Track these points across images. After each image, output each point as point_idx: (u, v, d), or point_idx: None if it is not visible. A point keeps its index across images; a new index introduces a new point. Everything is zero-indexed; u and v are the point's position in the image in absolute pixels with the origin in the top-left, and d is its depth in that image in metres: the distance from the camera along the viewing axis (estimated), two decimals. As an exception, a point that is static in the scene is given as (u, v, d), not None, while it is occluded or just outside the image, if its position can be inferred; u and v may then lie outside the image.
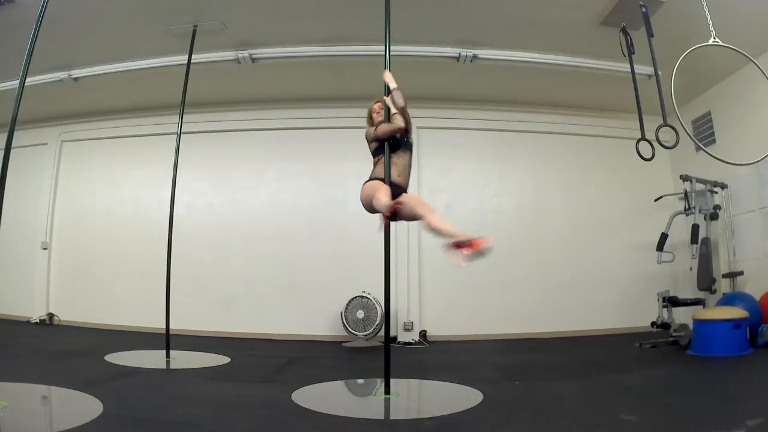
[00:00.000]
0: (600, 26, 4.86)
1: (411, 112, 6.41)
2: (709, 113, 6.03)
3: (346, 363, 4.87)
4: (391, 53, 3.57)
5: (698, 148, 4.28)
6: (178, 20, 4.91)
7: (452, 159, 6.70)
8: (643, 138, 4.14)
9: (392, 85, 3.39)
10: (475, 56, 5.52)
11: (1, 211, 2.69)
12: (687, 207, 5.40)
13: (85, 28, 5.00)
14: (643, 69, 4.59)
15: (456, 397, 3.13)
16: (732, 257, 5.68)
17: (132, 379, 3.48)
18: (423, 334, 6.14)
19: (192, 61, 4.91)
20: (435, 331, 6.19)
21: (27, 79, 3.04)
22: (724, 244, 5.74)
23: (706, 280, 5.14)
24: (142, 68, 5.69)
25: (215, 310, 6.25)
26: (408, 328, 6.18)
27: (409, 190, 3.33)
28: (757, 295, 4.89)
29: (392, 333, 5.82)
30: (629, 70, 4.39)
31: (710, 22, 3.72)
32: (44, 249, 6.88)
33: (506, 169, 6.78)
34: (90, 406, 2.57)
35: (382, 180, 3.18)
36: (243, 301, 6.29)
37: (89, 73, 5.81)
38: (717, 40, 3.74)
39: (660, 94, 3.98)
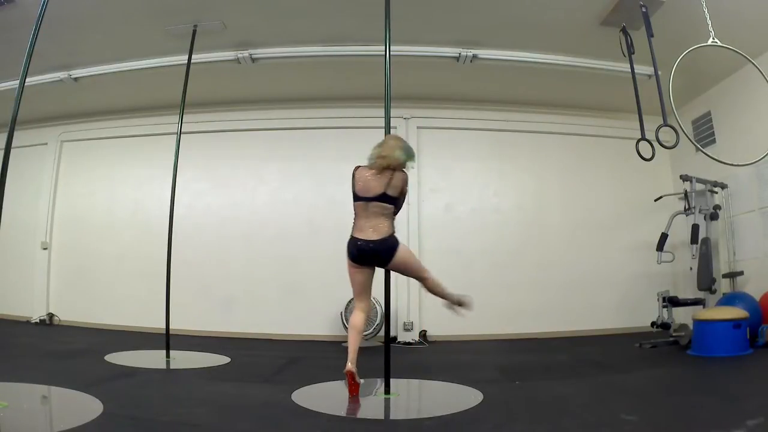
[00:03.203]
0: (600, 26, 4.86)
1: (411, 111, 6.61)
2: (709, 113, 6.03)
3: (346, 363, 4.86)
4: (391, 53, 3.56)
5: (697, 150, 4.28)
6: (178, 20, 4.91)
7: (452, 159, 6.70)
8: (643, 138, 4.14)
9: None
10: (475, 56, 5.52)
11: (1, 211, 2.69)
12: (687, 207, 5.40)
13: (85, 28, 5.00)
14: (643, 69, 4.59)
15: (456, 397, 3.13)
16: (732, 257, 5.68)
17: (132, 379, 3.48)
18: (423, 334, 6.14)
19: (192, 61, 4.91)
20: (435, 331, 6.18)
21: (27, 79, 3.03)
22: (724, 244, 5.74)
23: (706, 280, 5.14)
24: (142, 68, 5.69)
25: (215, 310, 6.25)
26: (408, 328, 6.18)
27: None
28: (757, 295, 4.89)
29: (392, 333, 5.82)
30: (629, 70, 4.39)
31: (710, 23, 3.72)
32: (44, 249, 6.88)
33: (506, 169, 6.78)
34: (90, 406, 2.57)
35: None
36: (243, 301, 6.29)
37: (89, 73, 5.81)
38: (716, 40, 3.74)
39: (660, 94, 3.99)
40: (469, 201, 6.64)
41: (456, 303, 3.42)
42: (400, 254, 3.12)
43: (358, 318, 3.21)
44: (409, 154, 3.22)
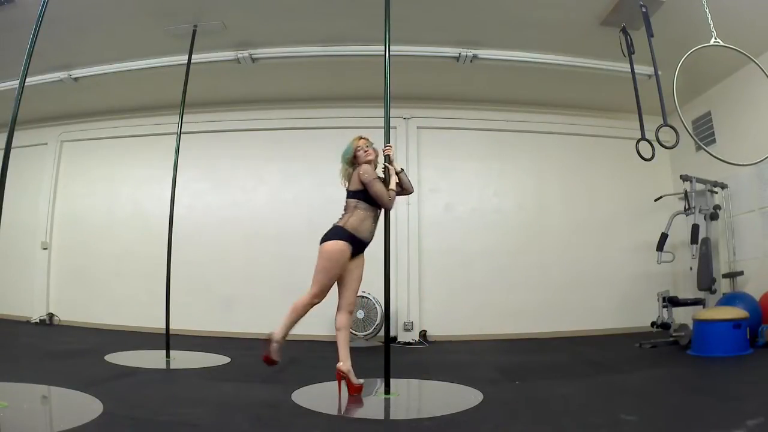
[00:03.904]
0: (600, 26, 4.86)
1: (411, 111, 6.61)
2: (709, 113, 6.03)
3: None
4: (391, 53, 3.56)
5: (699, 148, 4.28)
6: (178, 20, 4.91)
7: (452, 159, 6.70)
8: (643, 138, 4.13)
9: (398, 166, 3.44)
10: (475, 56, 5.52)
11: (1, 211, 2.69)
12: (687, 207, 5.40)
13: (85, 28, 5.00)
14: (643, 69, 4.59)
15: (456, 397, 3.13)
16: (732, 257, 5.68)
17: (132, 379, 3.48)
18: (423, 334, 6.14)
19: (192, 61, 4.91)
20: (435, 331, 6.18)
21: (27, 79, 3.03)
22: (724, 244, 5.74)
23: (706, 280, 5.14)
24: (142, 68, 5.69)
25: (215, 310, 6.25)
26: (408, 328, 6.18)
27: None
28: (757, 295, 4.89)
29: (392, 333, 5.83)
30: (629, 70, 4.38)
31: (711, 23, 3.72)
32: (44, 249, 6.88)
33: (506, 169, 6.78)
34: (90, 406, 2.57)
35: (354, 240, 3.25)
36: (243, 301, 6.29)
37: (89, 73, 5.81)
38: (718, 40, 3.73)
39: (660, 94, 3.98)
40: (469, 201, 6.64)
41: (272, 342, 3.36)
42: (320, 249, 3.28)
43: (336, 317, 3.32)
44: (342, 155, 3.41)
